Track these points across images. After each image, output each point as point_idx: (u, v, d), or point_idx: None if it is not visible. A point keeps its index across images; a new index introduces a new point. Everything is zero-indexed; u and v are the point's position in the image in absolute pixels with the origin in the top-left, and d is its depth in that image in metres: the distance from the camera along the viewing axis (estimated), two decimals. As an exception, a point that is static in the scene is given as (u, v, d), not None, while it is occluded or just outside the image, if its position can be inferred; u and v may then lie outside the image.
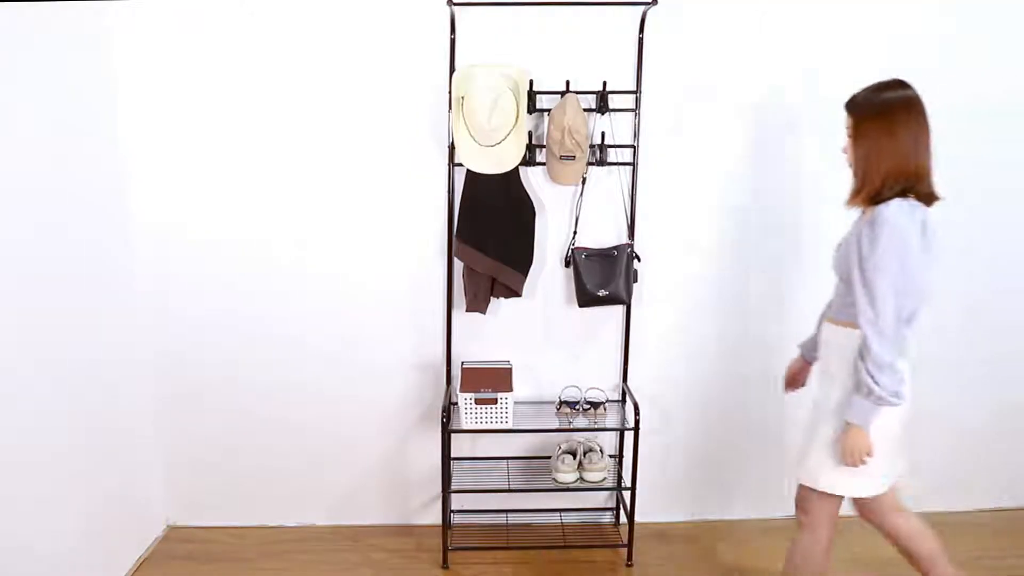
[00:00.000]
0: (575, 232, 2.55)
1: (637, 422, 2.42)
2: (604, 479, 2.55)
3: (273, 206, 2.54)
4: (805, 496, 1.94)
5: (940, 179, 2.71)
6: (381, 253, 2.59)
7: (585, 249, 2.51)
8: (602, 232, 2.57)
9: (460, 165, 2.43)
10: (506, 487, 2.60)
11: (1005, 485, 2.88)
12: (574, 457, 2.56)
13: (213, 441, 2.70)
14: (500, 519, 2.75)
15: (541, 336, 2.66)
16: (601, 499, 2.81)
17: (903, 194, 1.73)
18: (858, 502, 2.03)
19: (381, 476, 2.76)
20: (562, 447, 2.62)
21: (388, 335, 2.64)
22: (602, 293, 2.46)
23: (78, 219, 2.22)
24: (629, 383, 2.65)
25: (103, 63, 2.37)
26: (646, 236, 2.58)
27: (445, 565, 2.53)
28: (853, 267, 1.74)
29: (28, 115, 1.99)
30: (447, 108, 2.44)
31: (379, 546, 2.66)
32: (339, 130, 2.50)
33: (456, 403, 2.48)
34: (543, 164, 2.47)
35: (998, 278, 2.71)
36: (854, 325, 1.76)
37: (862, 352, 1.71)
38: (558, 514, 2.77)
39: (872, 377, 1.69)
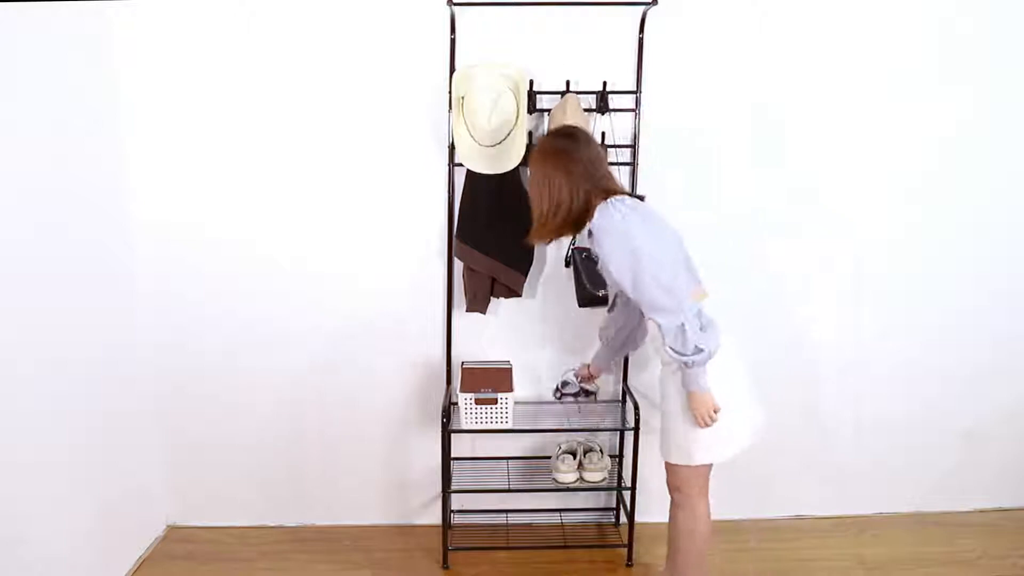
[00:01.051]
0: (575, 232, 2.56)
1: (637, 422, 2.42)
2: (604, 479, 2.55)
3: (273, 206, 2.54)
4: (675, 476, 2.06)
5: (937, 179, 2.70)
6: (381, 253, 2.59)
7: (585, 249, 2.50)
8: (602, 232, 2.57)
9: (460, 165, 2.43)
10: (506, 487, 2.60)
11: (1005, 485, 2.88)
12: (574, 457, 2.56)
13: (213, 441, 2.70)
14: (500, 519, 2.75)
15: (541, 336, 2.66)
16: (601, 499, 2.81)
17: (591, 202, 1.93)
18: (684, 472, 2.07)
19: (381, 476, 2.76)
20: (562, 447, 2.62)
21: (388, 335, 2.64)
22: (602, 293, 2.46)
23: (78, 219, 2.22)
24: (629, 383, 2.65)
25: (103, 63, 2.37)
26: (646, 236, 2.58)
27: (445, 565, 2.53)
28: (616, 281, 1.90)
29: (28, 115, 1.99)
30: (447, 108, 2.44)
31: (379, 546, 2.66)
32: (339, 130, 2.50)
33: (456, 403, 2.48)
34: (543, 164, 2.47)
35: (998, 279, 2.71)
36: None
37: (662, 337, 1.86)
38: (558, 514, 2.77)
39: (674, 350, 1.84)
